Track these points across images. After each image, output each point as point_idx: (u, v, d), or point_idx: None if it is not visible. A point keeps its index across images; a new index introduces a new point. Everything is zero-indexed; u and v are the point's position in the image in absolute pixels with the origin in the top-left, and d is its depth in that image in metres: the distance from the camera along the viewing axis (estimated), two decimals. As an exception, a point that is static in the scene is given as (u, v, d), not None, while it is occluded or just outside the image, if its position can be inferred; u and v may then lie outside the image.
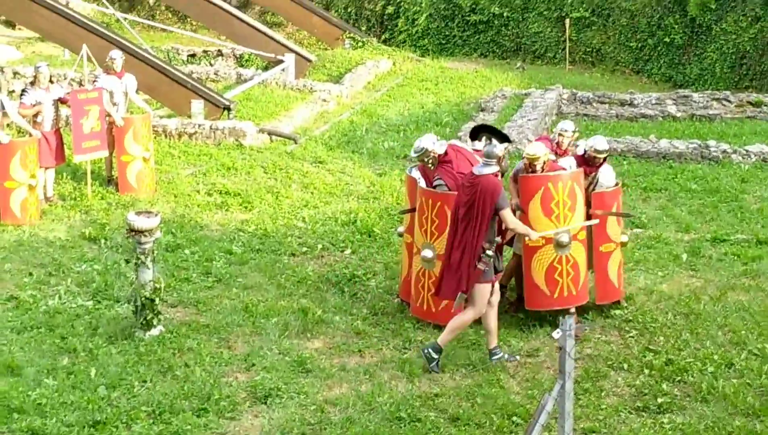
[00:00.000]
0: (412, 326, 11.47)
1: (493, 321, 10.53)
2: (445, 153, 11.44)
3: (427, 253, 11.38)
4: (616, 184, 12.08)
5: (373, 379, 10.16)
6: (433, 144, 11.47)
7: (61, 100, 15.87)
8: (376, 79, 26.67)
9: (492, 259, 10.29)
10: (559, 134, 12.31)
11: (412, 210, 11.79)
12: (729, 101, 23.01)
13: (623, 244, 12.16)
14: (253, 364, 10.40)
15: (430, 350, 10.45)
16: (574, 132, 12.37)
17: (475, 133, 12.06)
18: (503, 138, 11.44)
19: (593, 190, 11.77)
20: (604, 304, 11.90)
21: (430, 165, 11.46)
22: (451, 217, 10.68)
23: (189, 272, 13.06)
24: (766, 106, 22.69)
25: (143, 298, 10.85)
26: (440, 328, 11.23)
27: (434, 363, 10.41)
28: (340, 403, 9.63)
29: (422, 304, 11.52)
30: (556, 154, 12.05)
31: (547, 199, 11.25)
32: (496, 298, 10.61)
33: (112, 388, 9.79)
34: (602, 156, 11.79)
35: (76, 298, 12.07)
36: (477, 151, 12.02)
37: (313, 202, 16.18)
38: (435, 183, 11.44)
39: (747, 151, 18.42)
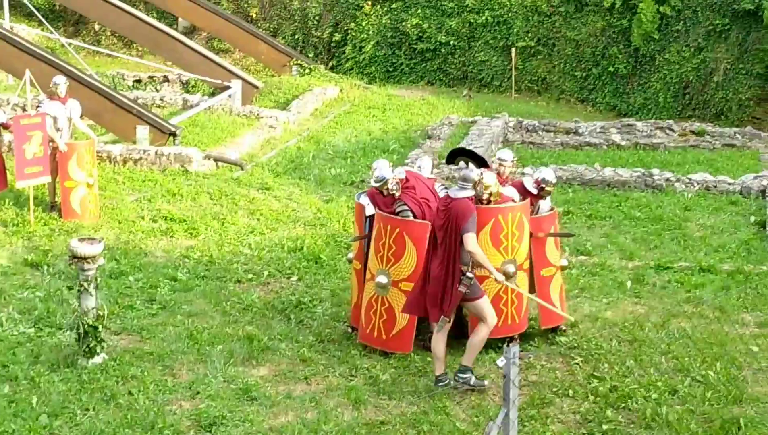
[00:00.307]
0: (358, 353, 11.45)
1: (441, 348, 10.53)
2: (406, 178, 11.52)
3: (382, 279, 11.38)
4: (552, 209, 12.30)
5: (319, 406, 10.12)
6: (393, 170, 11.57)
7: (4, 126, 15.72)
8: (324, 106, 26.69)
9: (473, 280, 10.33)
10: (500, 163, 12.38)
11: (364, 237, 11.79)
12: (672, 130, 23.31)
13: (563, 268, 12.35)
14: (198, 392, 10.31)
15: (459, 375, 10.44)
16: (512, 161, 12.48)
17: (452, 157, 12.03)
18: (481, 162, 11.45)
19: (534, 214, 11.99)
20: (550, 332, 11.99)
21: (393, 192, 11.48)
22: (429, 242, 10.76)
23: (133, 299, 12.95)
24: (708, 135, 23.02)
25: (86, 326, 10.72)
26: (386, 355, 11.25)
27: (472, 379, 10.42)
28: (285, 431, 9.57)
29: (372, 331, 11.50)
30: None
31: (496, 230, 11.30)
32: (448, 326, 10.61)
33: (54, 416, 9.66)
34: (552, 188, 12.00)
35: (18, 326, 11.91)
36: (430, 178, 12.16)
37: (259, 228, 16.14)
38: (398, 208, 11.46)
39: (690, 179, 18.65)
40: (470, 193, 10.46)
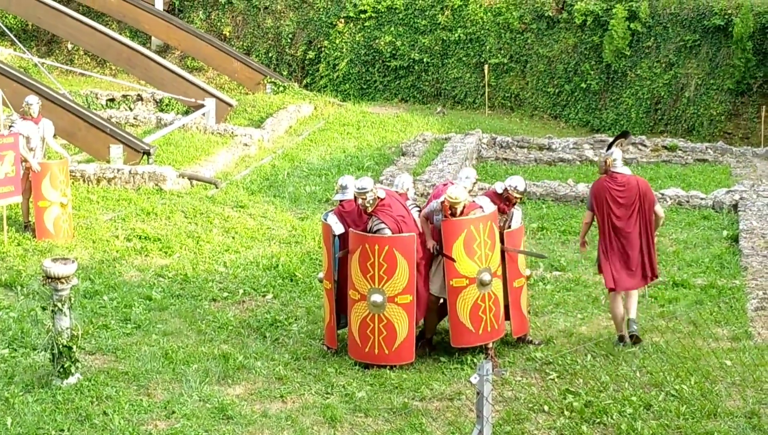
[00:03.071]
0: (334, 371, 11.44)
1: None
2: (384, 197, 11.65)
3: (377, 298, 11.45)
4: (521, 224, 12.50)
5: (294, 425, 10.09)
6: (375, 186, 11.68)
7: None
8: (298, 124, 26.70)
9: None
10: (466, 178, 12.53)
11: (347, 252, 11.80)
12: (645, 145, 23.45)
13: (527, 278, 12.59)
14: (173, 412, 10.26)
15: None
16: (476, 179, 12.60)
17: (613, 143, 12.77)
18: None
19: (508, 228, 12.10)
20: (524, 347, 12.06)
21: (367, 205, 11.56)
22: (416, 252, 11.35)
23: (107, 319, 12.89)
24: (680, 150, 23.18)
25: (60, 346, 10.67)
26: (362, 372, 11.26)
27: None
28: (261, 449, 9.55)
29: (372, 350, 11.57)
30: None
31: (469, 241, 11.46)
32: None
33: (28, 438, 9.60)
34: (521, 196, 12.16)
35: (-9, 347, 11.84)
36: (401, 194, 12.25)
37: (234, 246, 16.11)
38: (375, 226, 11.54)
39: (662, 194, 18.75)
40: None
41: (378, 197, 11.65)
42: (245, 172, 21.25)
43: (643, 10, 27.61)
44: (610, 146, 12.56)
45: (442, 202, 11.53)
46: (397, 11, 31.14)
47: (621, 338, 12.15)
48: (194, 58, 32.21)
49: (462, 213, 11.51)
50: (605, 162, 12.28)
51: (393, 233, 11.53)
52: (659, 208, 12.35)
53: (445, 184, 12.62)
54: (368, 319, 11.56)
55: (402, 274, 11.44)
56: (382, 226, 11.56)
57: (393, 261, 11.42)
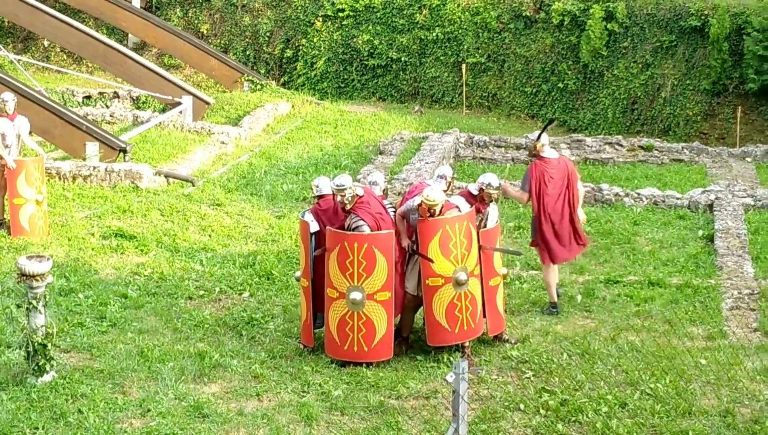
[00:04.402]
0: (310, 369, 11.44)
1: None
2: (363, 195, 11.66)
3: (357, 296, 11.46)
4: (497, 223, 12.53)
5: (270, 423, 10.09)
6: (353, 183, 11.68)
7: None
8: (275, 122, 26.65)
9: None
10: (442, 178, 12.56)
11: (324, 249, 11.78)
12: (621, 145, 23.52)
13: (504, 276, 12.64)
14: (149, 410, 10.24)
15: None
16: (452, 177, 12.74)
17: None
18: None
19: (484, 227, 12.11)
20: (501, 345, 12.11)
21: (346, 202, 11.56)
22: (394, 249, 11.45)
23: (83, 317, 12.84)
24: (656, 150, 23.26)
25: (35, 344, 10.63)
26: (338, 370, 11.26)
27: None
28: (237, 448, 9.54)
29: (351, 347, 11.57)
30: None
31: (445, 240, 11.48)
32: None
33: (2, 436, 9.56)
34: (496, 192, 12.16)
35: (-35, 344, 11.77)
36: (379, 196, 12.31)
37: (210, 244, 16.08)
38: (354, 224, 11.54)
39: (639, 194, 18.83)
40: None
41: (356, 195, 11.66)
42: (222, 170, 21.20)
43: (620, 11, 27.69)
44: (540, 133, 13.47)
45: (420, 204, 11.54)
46: (375, 10, 31.12)
47: (554, 305, 13.38)
48: (171, 55, 32.09)
49: (440, 213, 11.53)
50: (535, 147, 13.47)
51: (372, 230, 11.53)
52: (581, 185, 13.80)
53: (420, 183, 12.66)
54: (347, 316, 11.56)
55: (381, 271, 11.46)
56: (361, 223, 11.57)
57: (372, 258, 11.42)
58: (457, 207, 11.83)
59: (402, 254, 11.82)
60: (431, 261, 11.49)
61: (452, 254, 11.55)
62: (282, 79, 32.27)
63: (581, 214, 13.79)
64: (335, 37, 31.57)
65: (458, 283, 11.57)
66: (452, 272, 11.54)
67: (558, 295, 13.58)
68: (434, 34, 30.44)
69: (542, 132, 13.58)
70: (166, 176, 19.70)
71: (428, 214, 11.47)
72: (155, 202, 18.05)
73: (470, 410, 10.02)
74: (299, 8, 32.25)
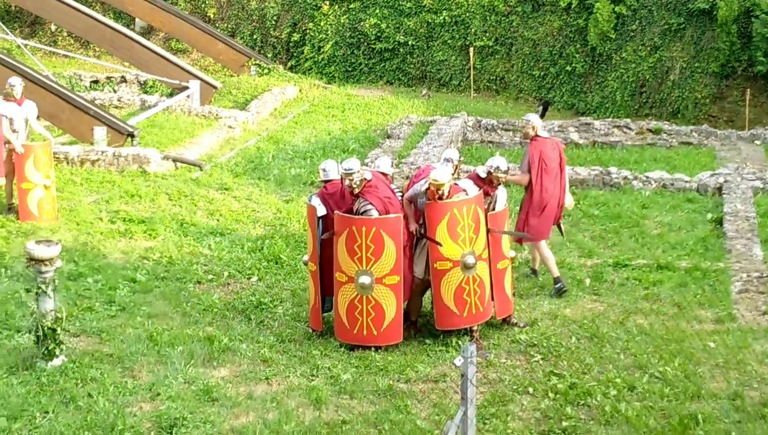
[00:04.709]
0: (319, 353, 11.46)
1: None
2: (371, 178, 11.64)
3: (365, 280, 11.47)
4: (505, 205, 12.56)
5: (280, 407, 10.10)
6: (361, 167, 11.67)
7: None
8: (283, 106, 26.64)
9: None
10: (448, 161, 12.58)
11: (333, 233, 11.78)
12: (629, 128, 23.47)
13: (512, 259, 12.67)
14: (158, 394, 10.26)
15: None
16: (459, 160, 12.82)
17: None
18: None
19: (492, 210, 12.13)
20: (510, 329, 12.11)
21: (354, 186, 11.56)
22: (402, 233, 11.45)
23: (92, 301, 12.86)
24: (665, 133, 23.20)
25: (45, 328, 10.64)
26: (347, 354, 11.28)
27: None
28: (246, 432, 9.55)
29: (361, 331, 11.59)
30: None
31: (453, 224, 11.48)
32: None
33: (13, 419, 9.57)
34: (504, 175, 12.16)
35: (-25, 329, 11.80)
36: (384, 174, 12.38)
37: (219, 229, 16.09)
38: (363, 208, 11.54)
39: (647, 177, 18.79)
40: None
41: (365, 178, 11.65)
42: (230, 154, 21.20)
43: (629, -7, 27.64)
44: (543, 114, 13.47)
45: (428, 187, 11.53)
46: (382, -7, 31.08)
47: (559, 280, 13.51)
48: (178, 40, 32.08)
49: (448, 195, 11.52)
50: (533, 128, 13.68)
51: (380, 214, 11.53)
52: (568, 169, 14.51)
53: (427, 167, 12.65)
54: (356, 300, 11.57)
55: (389, 255, 11.46)
56: (370, 207, 11.56)
57: (380, 242, 11.43)
58: (464, 190, 11.83)
59: (410, 238, 11.82)
60: (439, 244, 11.50)
61: (460, 238, 11.55)
62: (289, 63, 32.25)
63: (569, 199, 14.11)
64: (342, 21, 31.53)
65: (466, 267, 11.58)
66: (460, 256, 11.55)
67: (535, 273, 14.10)
68: (441, 17, 30.38)
69: (544, 113, 13.76)
70: (174, 160, 19.71)
71: (437, 197, 11.46)
72: (163, 187, 18.06)
73: (479, 394, 10.04)
74: (306, -8, 32.20)
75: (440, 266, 11.59)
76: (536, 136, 13.74)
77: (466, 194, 11.79)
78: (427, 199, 11.59)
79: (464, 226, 11.56)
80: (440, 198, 11.48)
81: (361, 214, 11.59)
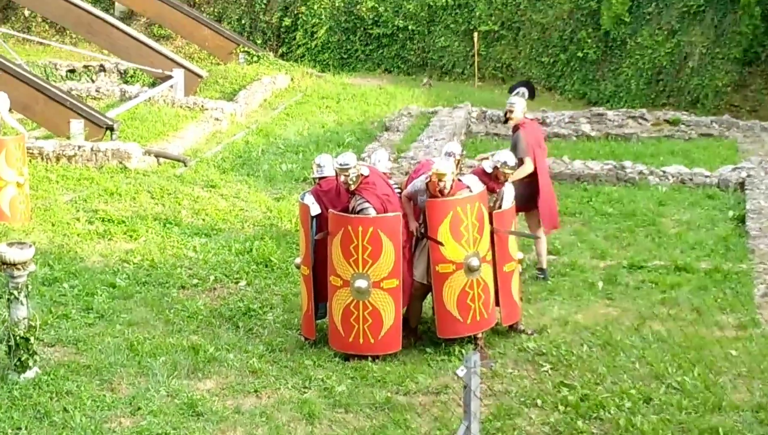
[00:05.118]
0: (312, 363, 11.45)
1: None
2: (368, 175, 11.62)
3: (361, 284, 11.44)
4: (512, 203, 12.51)
5: (270, 421, 10.11)
6: (358, 162, 11.66)
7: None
8: (273, 97, 26.64)
9: None
10: (449, 155, 12.59)
11: (327, 233, 11.77)
12: (645, 119, 23.47)
13: (519, 262, 12.64)
14: (139, 408, 10.25)
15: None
16: (461, 154, 12.93)
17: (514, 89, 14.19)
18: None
19: (498, 208, 12.09)
20: (517, 336, 12.11)
21: (350, 183, 11.54)
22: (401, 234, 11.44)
23: (68, 308, 12.86)
24: (683, 124, 23.20)
25: (17, 337, 10.65)
26: (341, 364, 11.28)
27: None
28: (234, 448, 9.57)
29: (357, 339, 11.56)
30: None
31: (456, 223, 11.45)
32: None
33: (-18, 437, 9.59)
34: (512, 172, 12.15)
35: (-58, 338, 11.79)
36: (385, 174, 12.39)
37: (204, 229, 16.09)
38: (358, 206, 11.52)
39: (664, 172, 18.78)
40: None
41: (361, 174, 11.63)
42: (216, 148, 21.20)
43: (644, -26, 27.64)
44: (532, 94, 14.44)
45: (429, 180, 11.52)
46: (379, -26, 31.08)
47: (544, 271, 14.11)
48: (161, 25, 32.08)
49: (450, 191, 11.49)
50: (522, 112, 14.14)
51: (377, 213, 11.51)
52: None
53: (427, 161, 12.64)
54: (352, 306, 11.55)
55: (387, 257, 11.43)
56: (366, 205, 11.54)
57: (378, 243, 11.40)
58: (468, 187, 11.80)
59: (409, 239, 11.80)
60: (441, 244, 11.47)
61: (463, 238, 11.52)
62: (280, 50, 32.26)
63: None
64: (337, 4, 31.55)
65: (470, 270, 11.55)
66: (463, 258, 11.51)
67: (543, 272, 14.27)
68: (443, 0, 30.37)
69: (533, 94, 14.40)
70: (157, 156, 19.70)
71: (438, 190, 11.43)
72: (145, 184, 18.05)
73: (483, 407, 10.02)
74: (298, -27, 32.20)
75: (442, 269, 11.56)
76: (524, 120, 14.12)
77: (470, 191, 11.77)
78: (427, 196, 11.58)
79: (467, 225, 11.53)
80: (441, 192, 11.45)
81: (358, 212, 11.58)
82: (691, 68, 26.97)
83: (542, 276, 14.00)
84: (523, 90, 14.36)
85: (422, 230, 11.69)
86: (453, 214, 11.46)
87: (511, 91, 14.78)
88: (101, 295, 13.32)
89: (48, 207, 16.73)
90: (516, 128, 14.12)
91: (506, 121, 14.46)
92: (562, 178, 18.86)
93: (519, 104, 14.12)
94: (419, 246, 11.86)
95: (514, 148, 13.77)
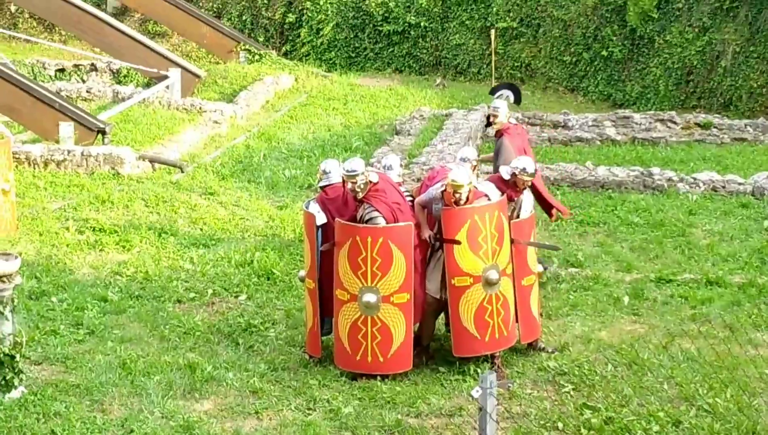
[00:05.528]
0: (317, 383, 11.45)
1: None
2: (377, 181, 11.61)
3: (370, 298, 11.43)
4: (531, 212, 12.53)
5: (271, 445, 10.12)
6: (366, 168, 11.66)
7: None
8: (276, 98, 26.70)
9: None
10: (465, 160, 12.62)
11: (333, 244, 11.77)
12: (674, 123, 23.48)
13: (539, 275, 12.64)
14: (132, 431, 10.26)
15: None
16: (477, 160, 13.09)
17: (496, 91, 13.66)
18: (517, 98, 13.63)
19: (517, 217, 12.12)
20: (535, 355, 12.10)
21: (358, 191, 11.54)
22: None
23: (56, 323, 12.88)
24: (715, 128, 23.21)
25: (1, 355, 10.65)
26: (348, 384, 11.28)
27: None
28: (233, 474, 9.57)
29: (365, 357, 11.55)
30: None
31: (474, 233, 11.41)
32: None
33: (-36, 461, 9.61)
34: (531, 178, 12.16)
35: None
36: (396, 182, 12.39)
37: (202, 239, 16.11)
38: (367, 215, 11.52)
39: (695, 179, 18.78)
40: None
41: (370, 181, 11.62)
42: (215, 153, 21.24)
43: (673, -33, 27.66)
44: (518, 99, 13.91)
45: (444, 190, 11.51)
46: (390, -32, 31.14)
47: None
48: (156, 22, 32.18)
49: (467, 201, 11.47)
50: (506, 117, 14.51)
51: (387, 223, 11.50)
52: None
53: (442, 168, 12.62)
54: (360, 322, 11.55)
55: (398, 269, 11.42)
56: (376, 214, 11.53)
57: (388, 255, 11.38)
58: (486, 195, 11.79)
59: (422, 250, 11.78)
60: (458, 243, 11.38)
61: (482, 249, 11.48)
62: (284, 49, 32.34)
63: None
64: (344, 0, 31.58)
65: (489, 284, 11.51)
66: (482, 270, 11.47)
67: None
68: (458, -6, 30.45)
69: (519, 98, 14.35)
70: (151, 161, 19.75)
71: (454, 202, 11.43)
72: (139, 191, 18.09)
73: (500, 430, 10.02)
74: (303, -34, 32.28)
75: (459, 283, 11.53)
76: (508, 124, 14.42)
77: (488, 199, 11.76)
78: (443, 205, 11.57)
79: (486, 235, 11.50)
80: (457, 203, 11.44)
81: (366, 222, 11.58)
82: (723, 68, 26.97)
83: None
84: (507, 93, 14.49)
85: (437, 236, 11.64)
86: (470, 224, 11.42)
87: (492, 93, 14.96)
88: (92, 310, 13.33)
89: (35, 215, 16.77)
90: (500, 134, 14.36)
91: (488, 125, 14.81)
92: (585, 186, 18.89)
93: (503, 108, 14.43)
94: (434, 258, 11.83)
95: (498, 155, 13.86)
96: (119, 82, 27.83)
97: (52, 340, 12.41)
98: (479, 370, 11.58)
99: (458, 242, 11.40)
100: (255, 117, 24.74)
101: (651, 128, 23.32)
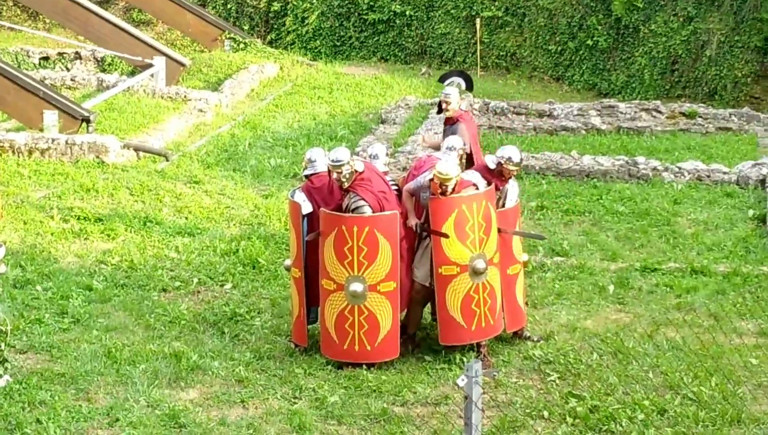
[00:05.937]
0: (303, 372, 11.46)
1: None
2: (363, 171, 11.59)
3: (357, 287, 11.44)
4: (516, 201, 12.54)
5: (257, 434, 10.11)
6: (352, 157, 11.64)
7: None
8: (261, 87, 26.64)
9: None
10: (450, 149, 12.63)
11: (318, 234, 11.76)
12: (660, 112, 23.50)
13: (525, 264, 12.63)
14: (117, 419, 10.26)
15: None
16: (463, 149, 12.96)
17: (445, 79, 14.50)
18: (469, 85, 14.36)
19: (502, 207, 12.11)
20: (520, 343, 12.12)
21: (343, 180, 11.52)
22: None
23: (41, 312, 12.86)
24: (700, 117, 23.23)
25: (-14, 344, 10.66)
26: (334, 373, 11.28)
27: None
28: (219, 462, 9.58)
29: (352, 346, 11.56)
30: None
31: (461, 222, 11.43)
32: None
33: (-51, 450, 9.60)
34: (517, 168, 12.13)
35: None
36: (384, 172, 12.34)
37: (187, 228, 16.08)
38: (353, 205, 11.51)
39: (680, 168, 18.79)
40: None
41: (356, 170, 11.61)
42: (200, 142, 21.20)
43: (659, -44, 27.66)
44: (470, 86, 15.10)
45: (431, 180, 11.51)
46: (375, -44, 31.08)
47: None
48: (141, 10, 32.06)
49: (454, 191, 11.48)
50: (458, 103, 14.72)
51: (374, 212, 11.50)
52: None
53: (429, 157, 12.62)
54: (346, 311, 11.55)
55: (384, 258, 11.43)
56: (362, 203, 11.52)
57: (374, 244, 11.39)
58: (474, 184, 11.79)
59: (409, 239, 11.79)
60: (446, 236, 11.41)
61: (469, 238, 11.50)
62: (269, 37, 32.24)
63: None
64: (330, -12, 31.52)
65: (476, 273, 11.54)
66: (468, 259, 11.50)
67: None
68: (444, -17, 30.40)
69: (471, 85, 15.10)
70: (136, 150, 19.71)
71: (440, 192, 11.44)
72: (123, 180, 18.06)
73: (486, 419, 10.05)
74: (288, -46, 32.18)
75: (445, 271, 11.55)
76: (461, 112, 14.70)
77: (476, 189, 11.76)
78: (431, 194, 11.57)
79: (474, 225, 11.51)
80: (444, 193, 11.45)
81: (352, 211, 11.57)
82: (708, 57, 26.99)
83: None
84: (458, 80, 14.57)
85: (423, 226, 11.65)
86: (458, 213, 11.44)
87: (442, 80, 15.07)
88: (77, 299, 13.31)
89: (19, 204, 16.73)
90: (453, 120, 14.53)
91: (440, 112, 14.93)
92: (571, 175, 18.89)
93: (454, 95, 14.58)
94: (422, 246, 11.84)
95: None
96: (104, 71, 27.75)
97: (37, 328, 12.41)
98: (465, 359, 11.61)
99: (446, 236, 11.41)
100: (240, 105, 24.70)
101: (636, 117, 23.33)
